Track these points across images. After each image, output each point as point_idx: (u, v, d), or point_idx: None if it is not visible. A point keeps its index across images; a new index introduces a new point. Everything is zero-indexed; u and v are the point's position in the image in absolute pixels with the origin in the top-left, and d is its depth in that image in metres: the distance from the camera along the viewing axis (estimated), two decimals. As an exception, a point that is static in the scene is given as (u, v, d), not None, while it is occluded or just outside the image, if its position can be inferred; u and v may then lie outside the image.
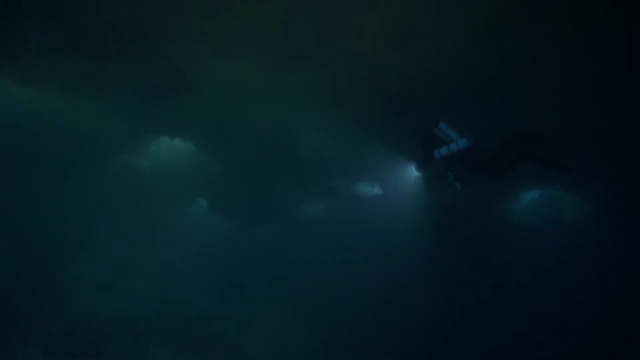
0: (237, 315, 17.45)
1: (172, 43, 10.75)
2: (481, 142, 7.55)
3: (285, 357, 16.59)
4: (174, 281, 17.47)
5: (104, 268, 16.65)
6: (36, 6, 9.97)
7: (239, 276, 18.56)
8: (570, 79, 10.58)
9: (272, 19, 10.42)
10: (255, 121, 13.29)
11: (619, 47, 9.62)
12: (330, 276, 18.56)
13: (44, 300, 14.47)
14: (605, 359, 17.38)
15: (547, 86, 10.95)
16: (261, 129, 13.54)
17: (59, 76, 12.44)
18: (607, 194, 15.06)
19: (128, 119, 13.99)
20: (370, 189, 16.63)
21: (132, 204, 17.17)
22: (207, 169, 16.64)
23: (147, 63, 11.41)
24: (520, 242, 17.17)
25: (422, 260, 17.64)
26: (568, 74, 10.47)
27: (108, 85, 12.35)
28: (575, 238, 16.60)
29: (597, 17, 9.23)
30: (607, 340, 17.70)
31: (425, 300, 18.41)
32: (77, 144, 14.86)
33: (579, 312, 17.83)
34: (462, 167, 7.43)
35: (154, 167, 17.37)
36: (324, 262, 18.44)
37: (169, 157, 17.43)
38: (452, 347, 18.45)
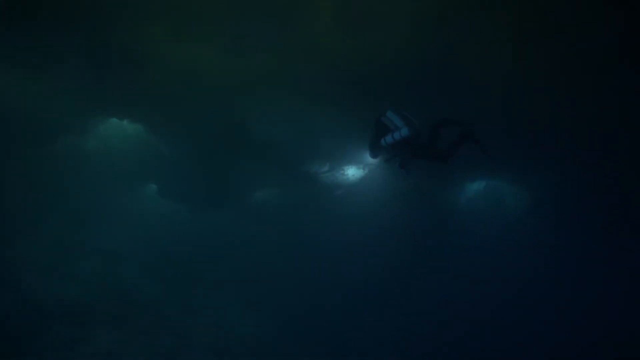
0: (186, 301, 17.32)
1: (122, 19, 10.48)
2: (425, 129, 7.87)
3: (235, 342, 16.63)
4: (121, 266, 17.11)
5: (47, 251, 16.09)
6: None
7: (189, 261, 18.40)
8: (517, 72, 11.11)
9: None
10: (207, 104, 13.15)
11: (566, 43, 10.18)
12: (282, 262, 18.71)
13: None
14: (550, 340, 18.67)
15: (496, 78, 11.45)
16: (213, 112, 13.41)
17: (-1, 49, 11.88)
18: (544, 186, 16.04)
19: (74, 98, 13.44)
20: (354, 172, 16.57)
21: (78, 186, 16.64)
22: (157, 153, 16.34)
23: (95, 39, 11.04)
24: (466, 228, 18.01)
25: (377, 245, 18.07)
26: (516, 67, 10.99)
27: (53, 61, 11.82)
28: (515, 224, 17.63)
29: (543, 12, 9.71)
30: (545, 318, 19.00)
31: (378, 285, 18.92)
32: (19, 123, 14.22)
33: (521, 293, 19.04)
34: (408, 153, 7.71)
35: (101, 149, 16.85)
36: (275, 248, 18.55)
37: (117, 140, 16.96)
38: (407, 332, 19.09)
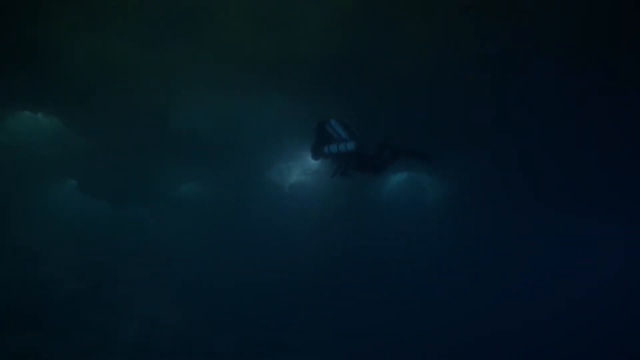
0: (108, 298, 16.89)
1: (28, 9, 10.10)
2: (367, 143, 8.22)
3: (159, 337, 16.45)
4: (39, 265, 16.41)
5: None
6: None
7: (111, 257, 17.92)
8: (427, 71, 11.68)
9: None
10: (125, 96, 12.92)
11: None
12: (207, 257, 18.63)
13: None
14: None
15: (407, 78, 12.00)
16: (132, 104, 13.20)
17: None
18: (461, 179, 16.93)
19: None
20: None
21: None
22: (76, 147, 15.76)
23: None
24: (388, 219, 18.69)
25: (302, 238, 18.35)
26: (424, 66, 11.53)
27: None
28: (433, 215, 18.52)
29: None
30: (453, 309, 20.11)
31: (303, 278, 19.24)
32: None
33: (436, 283, 20.03)
34: (348, 163, 8.06)
35: (13, 144, 16.03)
36: (200, 242, 18.42)
37: (32, 134, 16.20)
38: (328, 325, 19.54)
